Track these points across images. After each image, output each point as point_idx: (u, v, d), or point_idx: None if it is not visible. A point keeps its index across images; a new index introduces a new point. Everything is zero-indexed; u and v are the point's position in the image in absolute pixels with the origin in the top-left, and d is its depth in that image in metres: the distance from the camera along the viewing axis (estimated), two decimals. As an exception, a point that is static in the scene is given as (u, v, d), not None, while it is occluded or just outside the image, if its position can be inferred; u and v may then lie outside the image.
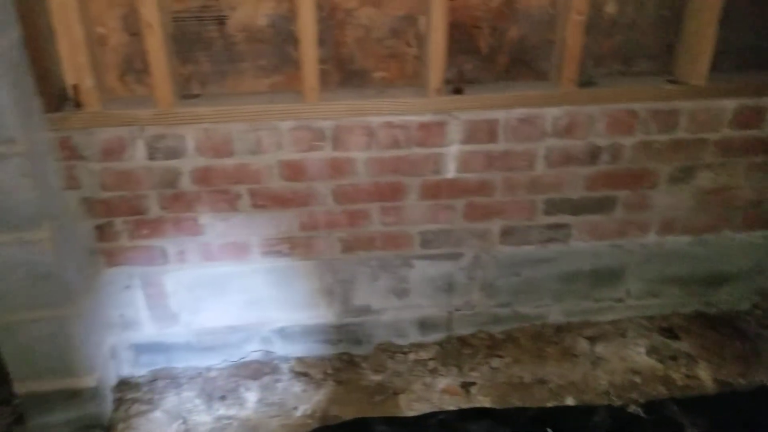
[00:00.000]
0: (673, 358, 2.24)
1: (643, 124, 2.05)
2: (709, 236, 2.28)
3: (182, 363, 2.22)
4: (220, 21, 1.83)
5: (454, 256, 2.19)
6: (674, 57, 2.04)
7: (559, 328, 2.35)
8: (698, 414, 2.01)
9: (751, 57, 2.08)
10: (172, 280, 2.10)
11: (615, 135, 2.05)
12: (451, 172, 2.04)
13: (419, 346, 2.30)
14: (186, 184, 1.95)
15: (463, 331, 2.33)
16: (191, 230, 2.03)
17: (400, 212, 2.09)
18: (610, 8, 1.95)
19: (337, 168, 1.99)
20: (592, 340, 2.31)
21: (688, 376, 2.16)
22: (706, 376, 2.16)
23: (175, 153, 1.90)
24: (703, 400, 2.08)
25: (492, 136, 2.01)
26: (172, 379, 2.19)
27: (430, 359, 2.26)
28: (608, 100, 2.00)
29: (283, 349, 2.26)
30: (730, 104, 2.06)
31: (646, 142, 2.08)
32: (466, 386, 2.14)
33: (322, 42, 1.87)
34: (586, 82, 2.00)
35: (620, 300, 2.36)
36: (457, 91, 1.95)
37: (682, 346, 2.29)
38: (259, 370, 2.22)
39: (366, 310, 2.25)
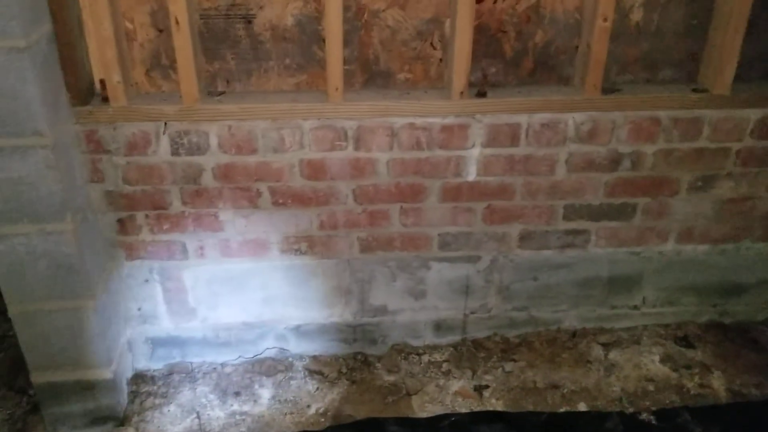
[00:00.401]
0: (687, 366, 2.30)
1: (666, 131, 2.10)
2: (728, 246, 2.34)
3: (198, 358, 2.30)
4: (248, 19, 1.89)
5: (472, 259, 2.25)
6: (699, 66, 2.10)
7: (574, 334, 2.41)
8: (710, 423, 2.07)
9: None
10: (190, 275, 2.17)
11: (637, 142, 2.11)
12: (472, 175, 2.10)
13: (434, 348, 2.37)
14: (208, 180, 2.02)
15: (478, 334, 2.40)
16: (212, 226, 2.10)
17: (420, 214, 2.16)
18: (636, 15, 2.01)
19: (359, 168, 2.05)
20: (606, 346, 2.38)
21: (701, 385, 2.23)
22: (719, 386, 2.22)
23: (198, 149, 1.97)
24: (715, 409, 2.14)
25: (514, 140, 2.07)
26: (188, 374, 2.27)
27: (444, 361, 2.33)
28: (631, 107, 2.06)
29: (298, 347, 2.33)
30: (753, 114, 2.11)
31: (668, 150, 2.14)
32: (479, 389, 2.21)
33: (347, 42, 1.93)
34: (609, 88, 2.05)
35: (636, 307, 2.42)
36: (481, 94, 2.01)
37: (697, 355, 2.35)
38: (274, 367, 2.29)
39: (382, 311, 2.32)
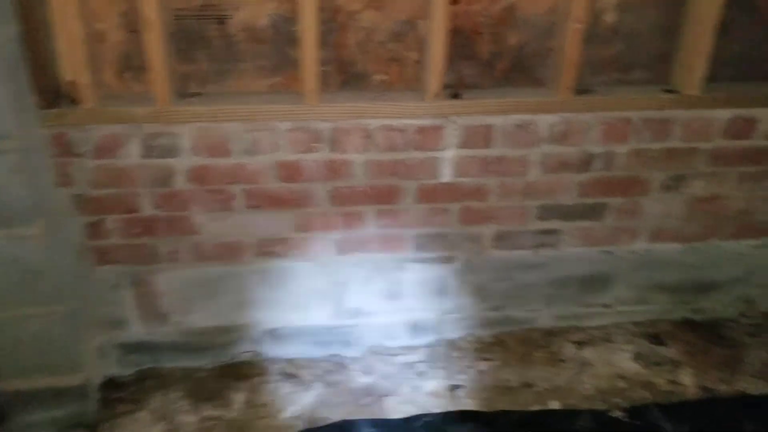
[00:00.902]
0: (659, 363, 2.42)
1: (637, 132, 2.22)
2: (699, 244, 2.47)
3: (170, 363, 2.34)
4: (222, 20, 1.94)
5: (448, 260, 2.34)
6: (670, 67, 2.21)
7: (548, 333, 2.53)
8: (680, 420, 2.19)
9: (747, 68, 2.25)
10: (163, 279, 2.21)
11: (609, 143, 2.22)
12: (447, 176, 2.19)
13: (409, 349, 2.46)
14: (181, 183, 2.06)
15: (453, 334, 2.49)
16: (184, 230, 2.14)
17: (396, 215, 2.23)
18: (609, 17, 2.11)
19: (334, 170, 2.12)
20: (579, 344, 2.49)
21: (672, 382, 2.35)
22: (690, 383, 2.34)
23: (170, 151, 2.01)
24: (685, 406, 2.25)
25: (488, 142, 2.16)
26: (160, 379, 2.31)
27: (419, 362, 2.42)
28: (604, 108, 2.16)
29: (273, 350, 2.40)
30: (723, 114, 2.23)
31: (640, 150, 2.25)
32: (453, 389, 2.31)
33: (323, 44, 1.99)
34: (582, 89, 2.15)
35: (608, 306, 2.55)
36: (456, 96, 2.10)
37: (668, 352, 2.47)
38: (248, 371, 2.35)
39: (358, 312, 2.39)
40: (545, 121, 2.15)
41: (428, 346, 2.47)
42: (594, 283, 2.49)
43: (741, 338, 2.54)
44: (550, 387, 2.32)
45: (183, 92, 2.02)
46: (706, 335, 2.56)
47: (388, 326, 2.43)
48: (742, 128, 2.26)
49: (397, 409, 2.23)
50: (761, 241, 2.50)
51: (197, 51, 1.97)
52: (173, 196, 2.08)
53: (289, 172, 2.10)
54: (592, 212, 2.34)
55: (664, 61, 2.20)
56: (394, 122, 2.08)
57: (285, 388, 2.30)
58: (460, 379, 2.34)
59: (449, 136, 2.12)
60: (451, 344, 2.48)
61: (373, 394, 2.29)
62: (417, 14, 2.01)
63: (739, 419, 2.20)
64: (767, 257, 2.53)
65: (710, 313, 2.62)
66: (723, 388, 2.33)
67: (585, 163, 2.24)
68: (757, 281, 2.58)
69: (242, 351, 2.38)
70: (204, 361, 2.36)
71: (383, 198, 2.19)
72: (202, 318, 2.30)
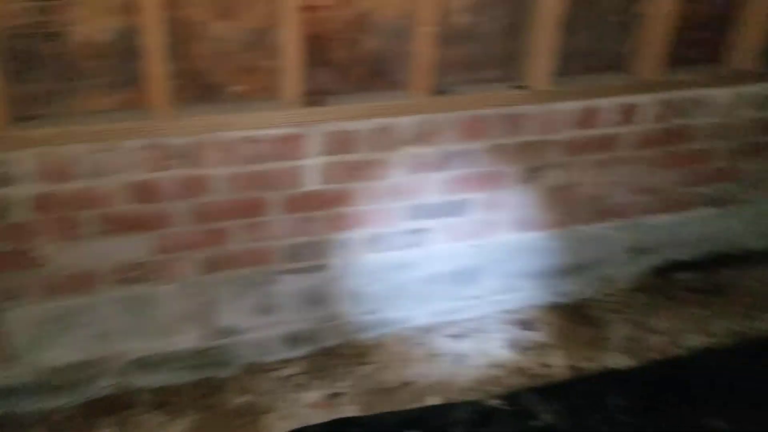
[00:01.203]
0: (530, 348, 2.57)
1: (493, 128, 2.34)
2: (558, 231, 2.64)
3: (28, 406, 2.20)
4: (58, 37, 1.85)
5: (320, 268, 2.36)
6: (521, 63, 2.34)
7: (424, 330, 2.61)
8: (552, 400, 2.31)
9: (592, 60, 2.44)
10: (11, 318, 2.08)
11: (467, 140, 2.32)
12: (312, 184, 2.20)
13: (287, 362, 2.45)
14: (22, 213, 1.95)
15: (332, 342, 2.51)
16: (30, 263, 2.02)
17: (264, 227, 2.22)
18: (461, 19, 2.22)
19: (193, 187, 2.07)
20: (455, 338, 2.60)
21: (544, 365, 2.49)
22: (560, 363, 2.49)
23: (6, 181, 1.90)
24: (556, 387, 2.39)
25: (351, 147, 2.19)
26: (17, 425, 2.18)
27: (298, 374, 2.42)
28: (460, 107, 2.26)
29: (142, 380, 2.31)
30: (572, 106, 2.40)
31: (497, 146, 2.37)
32: (334, 397, 2.33)
33: (173, 56, 1.94)
34: (440, 90, 2.24)
35: (479, 297, 2.67)
36: (315, 103, 2.11)
37: (538, 336, 2.63)
38: (115, 405, 2.26)
39: (231, 331, 2.36)
40: (405, 123, 2.22)
41: (307, 357, 2.48)
42: (464, 276, 2.60)
43: (604, 316, 2.74)
44: (429, 383, 2.40)
45: (20, 116, 1.90)
46: (572, 316, 2.74)
47: (263, 342, 2.42)
48: (589, 118, 2.44)
49: (276, 425, 2.22)
50: (615, 223, 2.71)
51: (35, 70, 1.87)
52: (14, 228, 1.96)
53: (144, 192, 2.03)
54: (457, 208, 2.45)
55: (515, 58, 2.33)
56: (253, 133, 2.06)
57: (156, 419, 2.22)
58: (340, 386, 2.37)
59: (311, 144, 2.14)
60: (330, 352, 2.50)
61: (250, 413, 2.27)
62: (269, 22, 2.01)
63: (605, 394, 2.36)
64: (622, 238, 2.75)
65: (575, 295, 2.80)
66: (591, 366, 2.51)
67: (445, 161, 2.34)
68: (614, 260, 2.80)
69: (107, 385, 2.28)
70: (66, 400, 2.24)
71: (248, 211, 2.18)
72: (59, 355, 2.18)
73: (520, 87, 2.33)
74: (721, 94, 2.56)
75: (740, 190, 2.82)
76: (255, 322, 2.38)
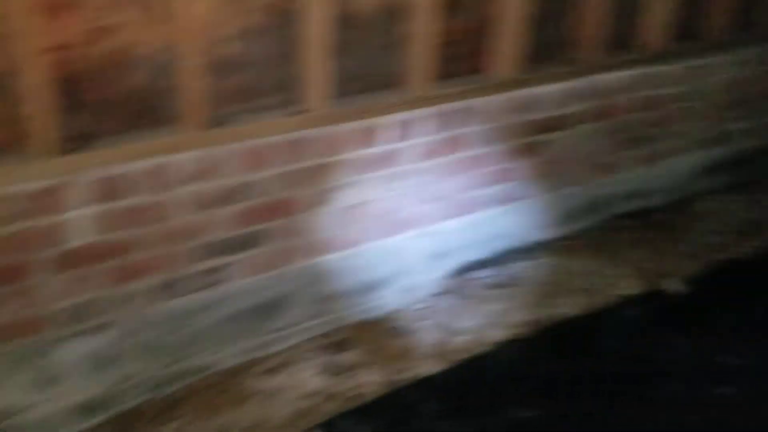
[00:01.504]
0: (345, 371, 2.56)
1: (277, 156, 2.30)
2: (358, 248, 2.66)
3: None
4: None
5: (106, 326, 2.19)
6: (298, 89, 2.32)
7: (233, 372, 2.51)
8: (369, 420, 2.33)
9: (371, 81, 2.49)
10: None
11: (252, 171, 2.27)
12: (84, 237, 2.03)
13: (81, 435, 2.27)
14: None
15: (131, 403, 2.34)
16: None
17: (32, 293, 2.01)
18: (230, 48, 2.16)
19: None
20: (266, 374, 2.52)
21: (359, 386, 2.49)
22: (375, 380, 2.50)
23: None
24: (371, 405, 2.40)
25: (124, 191, 2.05)
26: None
27: (98, 444, 2.25)
28: (238, 138, 2.20)
29: None
30: (353, 126, 2.43)
31: (280, 174, 2.33)
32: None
33: None
34: (216, 123, 2.17)
35: (286, 328, 2.61)
36: (75, 149, 1.95)
37: (351, 356, 2.63)
38: None
39: (6, 413, 2.11)
40: (182, 160, 2.12)
41: (105, 423, 2.28)
42: (269, 309, 2.54)
43: (412, 325, 2.80)
44: (245, 426, 2.32)
45: None
46: (382, 331, 2.77)
47: (51, 417, 2.18)
48: (371, 136, 2.49)
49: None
50: (411, 234, 2.78)
51: None
52: None
53: None
54: (252, 241, 2.38)
55: (292, 84, 2.31)
56: (3, 191, 1.86)
57: None
58: (148, 449, 2.23)
59: (76, 194, 1.97)
60: (133, 414, 2.32)
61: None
62: (10, 67, 1.82)
63: (419, 402, 2.42)
64: (420, 247, 2.83)
65: (383, 309, 2.84)
66: (404, 377, 2.54)
67: (230, 195, 2.26)
68: (416, 269, 2.87)
69: None
70: None
71: (10, 278, 1.96)
72: None
73: (300, 112, 2.32)
74: (488, 101, 2.73)
75: (519, 188, 3.02)
76: (37, 398, 2.15)
